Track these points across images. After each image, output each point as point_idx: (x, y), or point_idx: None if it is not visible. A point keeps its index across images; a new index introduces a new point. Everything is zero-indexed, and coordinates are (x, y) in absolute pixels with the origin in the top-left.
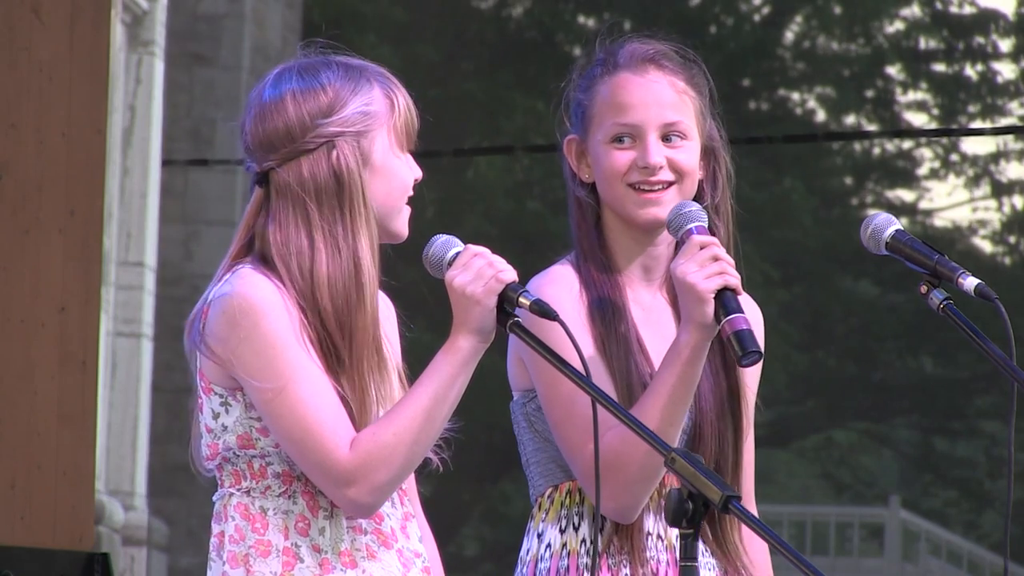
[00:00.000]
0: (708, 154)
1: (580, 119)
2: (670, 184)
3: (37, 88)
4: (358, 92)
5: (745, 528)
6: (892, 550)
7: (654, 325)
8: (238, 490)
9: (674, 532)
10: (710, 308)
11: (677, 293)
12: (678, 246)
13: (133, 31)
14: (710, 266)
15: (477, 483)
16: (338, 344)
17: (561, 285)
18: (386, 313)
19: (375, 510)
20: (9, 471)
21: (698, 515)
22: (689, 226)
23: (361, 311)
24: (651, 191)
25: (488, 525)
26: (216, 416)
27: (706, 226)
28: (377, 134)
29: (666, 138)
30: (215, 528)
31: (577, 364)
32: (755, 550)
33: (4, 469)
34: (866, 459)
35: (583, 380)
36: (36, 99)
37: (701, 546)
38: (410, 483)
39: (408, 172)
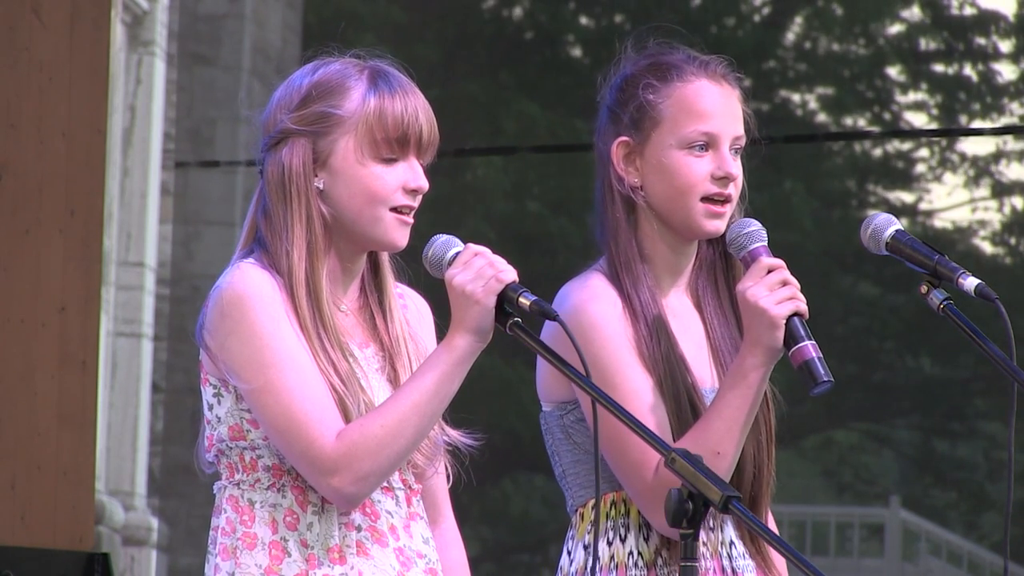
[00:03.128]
0: None
1: (643, 119)
2: (731, 199)
3: (37, 88)
4: (328, 93)
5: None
6: (892, 550)
7: (684, 331)
8: (231, 482)
9: (718, 539)
10: (781, 333)
11: (744, 316)
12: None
13: (133, 31)
14: (780, 291)
15: (476, 484)
16: (310, 333)
17: (605, 302)
18: (416, 316)
19: (360, 500)
20: (9, 471)
21: (698, 515)
22: (754, 246)
23: (308, 307)
24: (721, 205)
25: (488, 525)
26: (211, 407)
27: (767, 244)
28: (340, 138)
29: (732, 151)
30: (212, 521)
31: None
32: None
33: (4, 469)
34: (866, 459)
35: (583, 380)
36: (36, 99)
37: (741, 548)
38: (433, 487)
39: (382, 181)
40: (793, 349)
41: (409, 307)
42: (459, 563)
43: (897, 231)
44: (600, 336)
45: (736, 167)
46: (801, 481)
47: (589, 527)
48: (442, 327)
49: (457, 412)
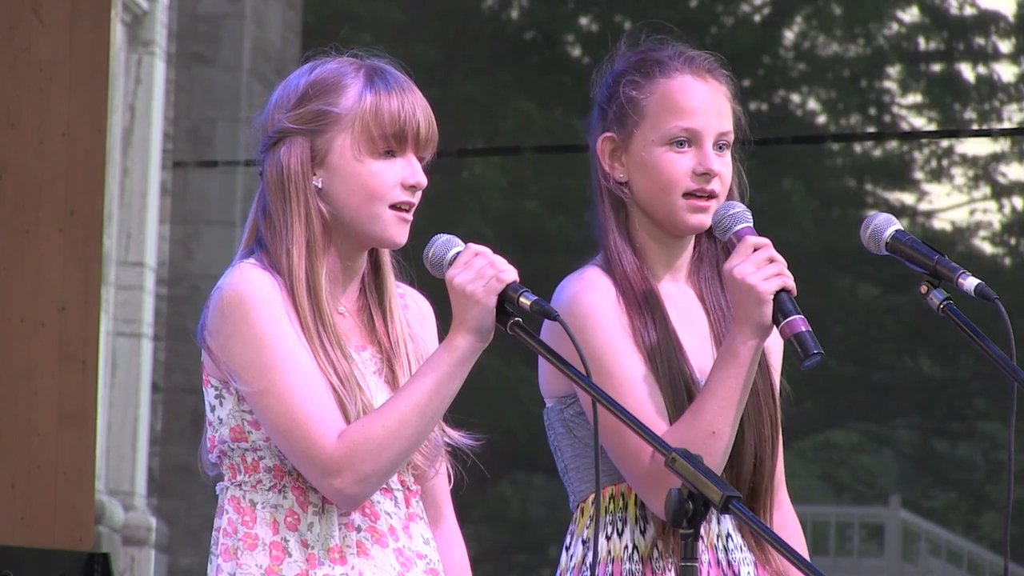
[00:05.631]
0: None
1: (626, 116)
2: (715, 195)
3: (37, 88)
4: (325, 91)
5: (777, 517)
6: (892, 550)
7: (686, 321)
8: (232, 484)
9: (714, 531)
10: (769, 309)
11: (732, 294)
12: (720, 244)
13: (133, 31)
14: (767, 267)
15: (476, 484)
16: (312, 333)
17: (599, 291)
18: (418, 315)
19: (362, 501)
20: (9, 471)
21: (698, 515)
22: (739, 227)
23: (308, 307)
24: (705, 200)
25: (487, 526)
26: (213, 409)
27: (752, 226)
28: (337, 135)
29: (718, 147)
30: (215, 522)
31: (579, 365)
32: (789, 536)
33: (4, 469)
34: (866, 459)
35: (583, 380)
36: (36, 99)
37: (738, 541)
38: (435, 488)
39: (380, 178)
40: (783, 323)
41: (410, 307)
42: (461, 563)
43: (897, 231)
44: (594, 324)
45: (720, 163)
46: (801, 481)
47: (588, 522)
48: (443, 327)
49: (455, 412)
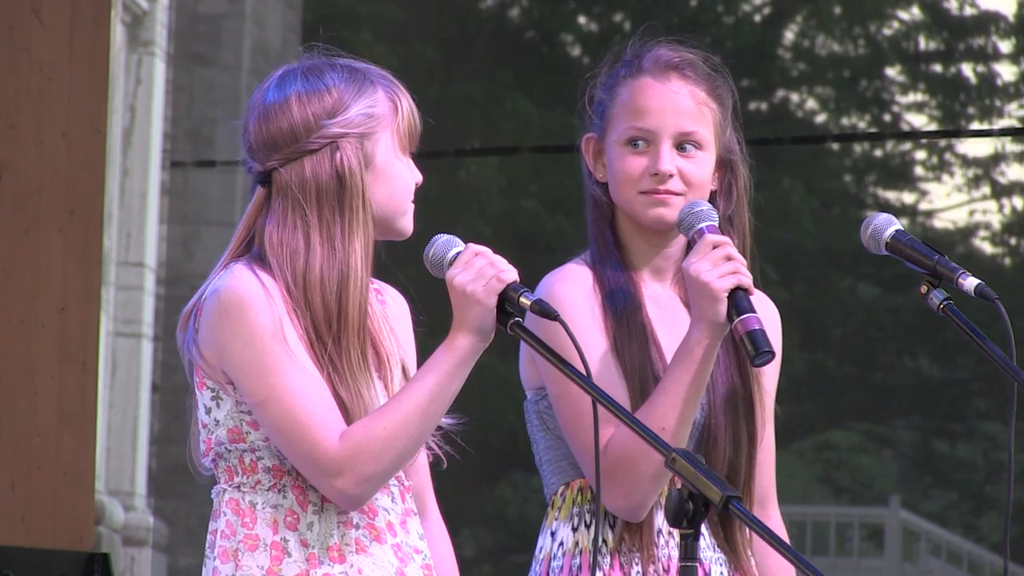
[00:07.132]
0: (724, 166)
1: (599, 118)
2: (679, 195)
3: (37, 88)
4: (362, 94)
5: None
6: (892, 550)
7: (669, 323)
8: (230, 486)
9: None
10: (723, 307)
11: (689, 291)
12: (689, 245)
13: (133, 31)
14: (723, 265)
15: (475, 484)
16: (327, 341)
17: (573, 281)
18: (396, 311)
19: (364, 502)
20: (9, 471)
21: (698, 515)
22: (700, 225)
23: (349, 310)
24: (661, 194)
25: (486, 527)
26: (208, 411)
27: (717, 225)
28: (380, 136)
29: (680, 147)
30: (210, 525)
31: (578, 363)
32: (765, 553)
33: (4, 469)
34: (866, 460)
35: (583, 380)
36: (36, 99)
37: (709, 540)
38: (419, 482)
39: (410, 175)
40: (736, 321)
41: (388, 302)
42: (447, 556)
43: (897, 231)
44: (562, 314)
45: (679, 162)
46: (801, 482)
47: (557, 513)
48: (440, 326)
49: (454, 412)
